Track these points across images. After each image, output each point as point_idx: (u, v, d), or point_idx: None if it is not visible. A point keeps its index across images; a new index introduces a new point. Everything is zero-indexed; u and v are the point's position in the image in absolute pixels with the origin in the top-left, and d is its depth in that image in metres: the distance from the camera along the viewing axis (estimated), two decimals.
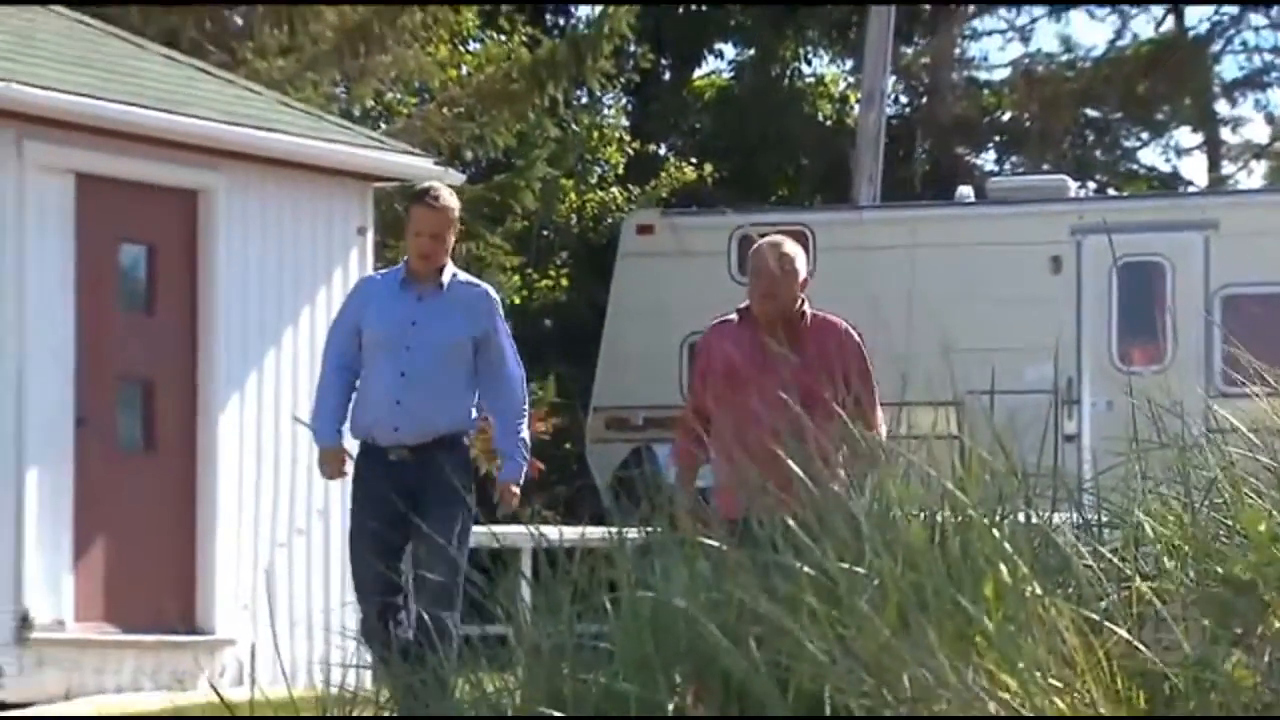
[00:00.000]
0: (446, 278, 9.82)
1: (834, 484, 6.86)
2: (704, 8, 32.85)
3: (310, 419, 10.15)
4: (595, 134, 27.32)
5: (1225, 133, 35.66)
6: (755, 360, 8.65)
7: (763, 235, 20.80)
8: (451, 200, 9.87)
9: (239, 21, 21.14)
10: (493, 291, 10.17)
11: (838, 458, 7.19)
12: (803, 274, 8.97)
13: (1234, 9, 33.77)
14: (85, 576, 14.35)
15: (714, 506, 8.11)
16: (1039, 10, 34.74)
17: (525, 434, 9.93)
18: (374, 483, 9.64)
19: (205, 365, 15.25)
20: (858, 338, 9.00)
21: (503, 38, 25.72)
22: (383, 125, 20.71)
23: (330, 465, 9.86)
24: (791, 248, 9.05)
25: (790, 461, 6.12)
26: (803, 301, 8.96)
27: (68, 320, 14.36)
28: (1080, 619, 4.28)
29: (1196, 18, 34.53)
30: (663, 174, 27.67)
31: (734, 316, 9.07)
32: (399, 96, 23.15)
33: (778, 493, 6.10)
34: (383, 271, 10.45)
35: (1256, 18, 34.11)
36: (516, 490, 9.76)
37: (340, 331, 10.04)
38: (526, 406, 10.01)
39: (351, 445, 9.95)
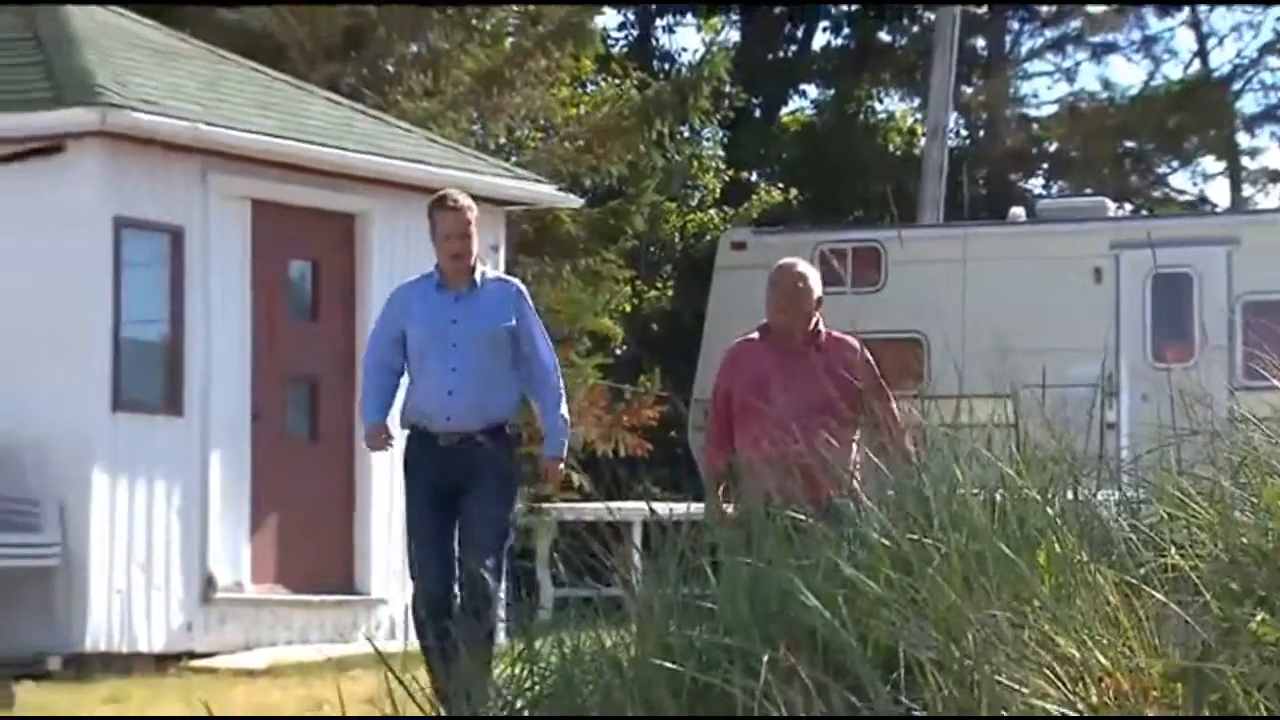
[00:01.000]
0: (479, 276, 9.44)
1: (853, 480, 6.74)
2: (791, 53, 32.80)
3: (358, 408, 9.88)
4: (695, 163, 27.32)
5: (1245, 160, 35.44)
6: (778, 371, 8.36)
7: (838, 250, 20.95)
8: (468, 201, 9.54)
9: (390, 68, 21.20)
10: (522, 285, 9.76)
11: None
12: (817, 293, 8.65)
13: (1253, 53, 33.78)
14: (260, 546, 14.50)
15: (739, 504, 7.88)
16: (1082, 54, 34.64)
17: (565, 414, 9.45)
18: (427, 468, 9.22)
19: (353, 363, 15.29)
20: (867, 354, 8.58)
21: (616, 80, 25.71)
22: (513, 157, 20.73)
23: (374, 439, 9.37)
24: (806, 268, 8.77)
25: (810, 462, 6.10)
26: (818, 321, 8.62)
27: (244, 327, 14.49)
28: (1121, 583, 4.25)
29: (1220, 60, 34.52)
30: (754, 198, 27.65)
31: (755, 334, 8.80)
32: (527, 132, 23.16)
33: (800, 488, 5.99)
34: (413, 280, 9.86)
35: (1273, 59, 34.07)
36: (560, 466, 9.52)
37: (380, 340, 9.60)
38: (563, 390, 9.53)
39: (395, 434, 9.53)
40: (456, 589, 8.96)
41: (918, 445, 5.85)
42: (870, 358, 8.51)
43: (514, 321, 9.31)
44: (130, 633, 13.97)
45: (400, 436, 9.41)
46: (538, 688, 4.94)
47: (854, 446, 7.63)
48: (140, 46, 15.90)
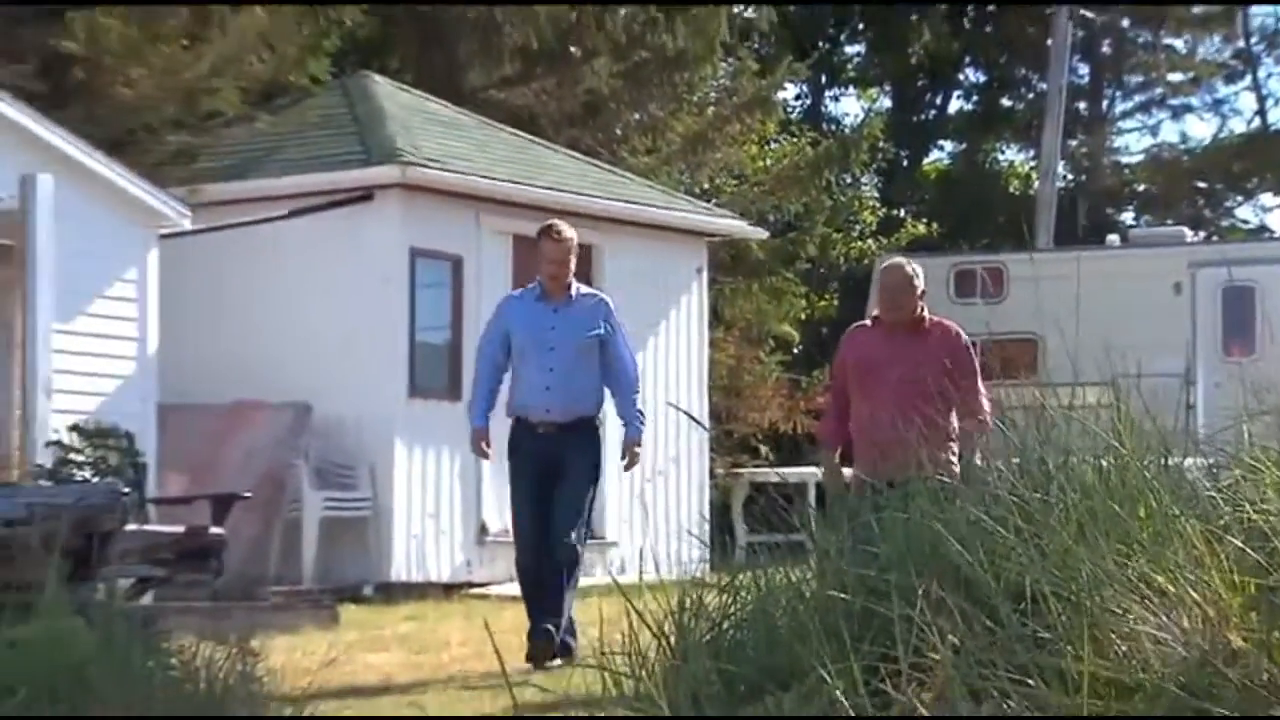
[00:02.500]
0: (574, 291, 8.90)
1: (942, 452, 6.43)
2: (931, 115, 32.66)
3: (466, 407, 9.29)
4: (856, 202, 27.16)
5: None
6: (885, 354, 7.72)
7: (968, 270, 20.75)
8: (571, 232, 8.99)
9: (618, 132, 21.30)
10: (610, 300, 9.17)
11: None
12: (920, 287, 7.94)
13: None
14: None
15: (860, 469, 7.59)
16: (1163, 114, 34.29)
17: (640, 408, 8.98)
18: (527, 451, 8.75)
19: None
20: (966, 338, 7.93)
21: (793, 139, 25.64)
22: (713, 199, 20.75)
23: (477, 444, 8.92)
24: (912, 268, 8.03)
25: (909, 434, 5.88)
26: (922, 308, 7.93)
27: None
28: (1205, 532, 4.16)
29: (1276, 116, 34.10)
30: (902, 229, 27.46)
31: (868, 323, 8.22)
32: (725, 180, 23.19)
33: (904, 457, 5.82)
34: (518, 293, 9.33)
35: None
36: (638, 448, 8.98)
37: (491, 341, 9.03)
38: (639, 388, 9.03)
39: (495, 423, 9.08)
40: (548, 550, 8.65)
41: (999, 420, 5.65)
42: (968, 342, 7.92)
43: (601, 330, 8.87)
44: (424, 567, 14.17)
45: (504, 425, 9.00)
46: (738, 613, 4.91)
47: (952, 417, 7.26)
48: (430, 119, 16.12)
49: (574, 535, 8.56)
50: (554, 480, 8.66)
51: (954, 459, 6.54)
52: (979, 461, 5.38)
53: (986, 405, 7.38)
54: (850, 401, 7.90)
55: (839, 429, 8.02)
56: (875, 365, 7.71)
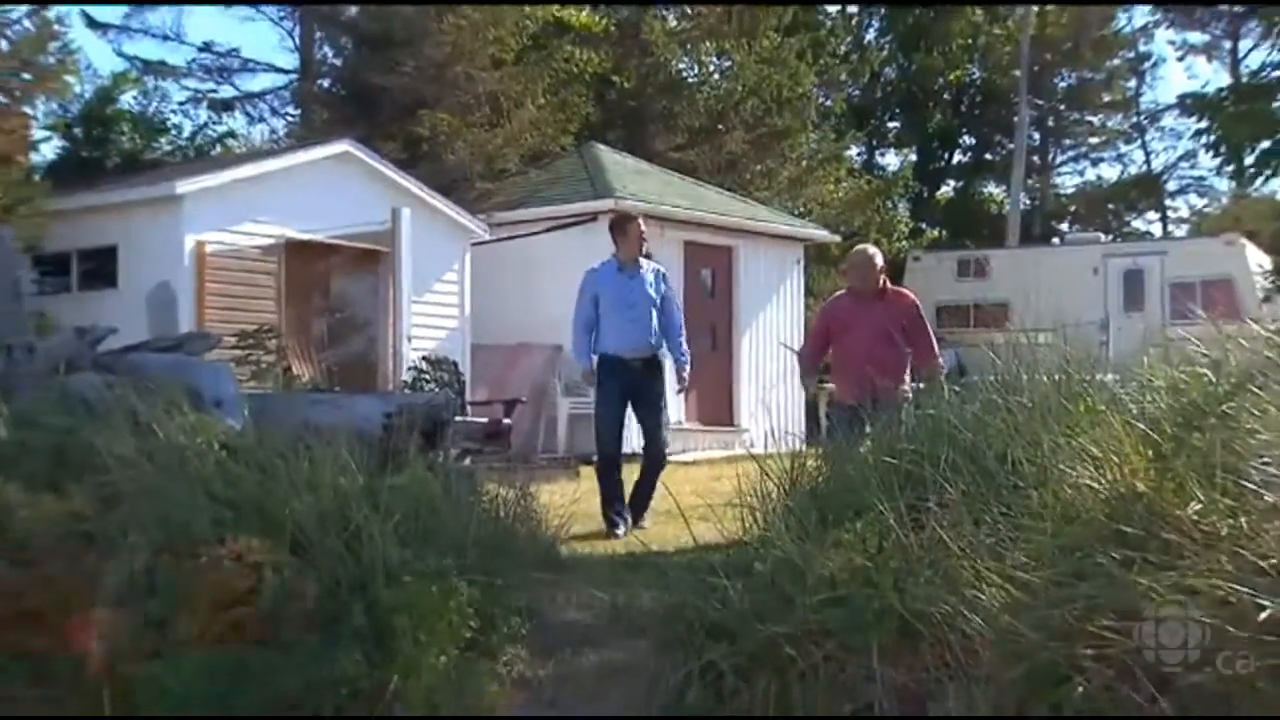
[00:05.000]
0: (642, 264, 7.80)
1: (897, 383, 5.96)
2: (941, 164, 31.82)
3: (572, 352, 7.96)
4: (894, 219, 26.48)
5: (1171, 213, 33.87)
6: (855, 315, 6.81)
7: (966, 260, 20.22)
8: (642, 224, 7.89)
9: (748, 176, 21.10)
10: (664, 270, 7.99)
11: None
12: (880, 265, 6.91)
13: (1174, 159, 32.36)
14: (690, 402, 14.55)
15: (837, 395, 6.94)
16: (1085, 164, 33.45)
17: (685, 349, 7.80)
18: (613, 378, 7.59)
19: (736, 318, 15.28)
20: (916, 301, 6.94)
21: (855, 179, 25.08)
22: (806, 217, 20.48)
23: (586, 377, 7.79)
24: (872, 251, 7.02)
25: (872, 371, 5.75)
26: (883, 281, 6.92)
27: (682, 300, 14.53)
28: (1121, 419, 3.91)
29: (1157, 165, 33.06)
30: (924, 235, 26.97)
31: (843, 292, 7.15)
32: (813, 205, 22.87)
33: (871, 388, 5.52)
34: (599, 265, 7.92)
35: (1184, 163, 32.66)
36: (685, 376, 7.80)
37: (584, 302, 7.75)
38: (684, 332, 7.83)
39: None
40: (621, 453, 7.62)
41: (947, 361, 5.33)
42: (919, 305, 6.92)
43: (661, 292, 7.76)
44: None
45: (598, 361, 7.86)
46: (826, 473, 4.77)
47: (905, 363, 6.53)
48: (631, 170, 16.05)
49: (662, 436, 7.67)
50: (632, 399, 7.59)
51: (906, 387, 6.16)
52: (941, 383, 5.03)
53: (937, 349, 6.78)
54: (825, 344, 7.02)
55: (814, 359, 7.29)
56: (849, 323, 6.91)
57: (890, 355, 6.43)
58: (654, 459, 7.78)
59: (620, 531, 7.17)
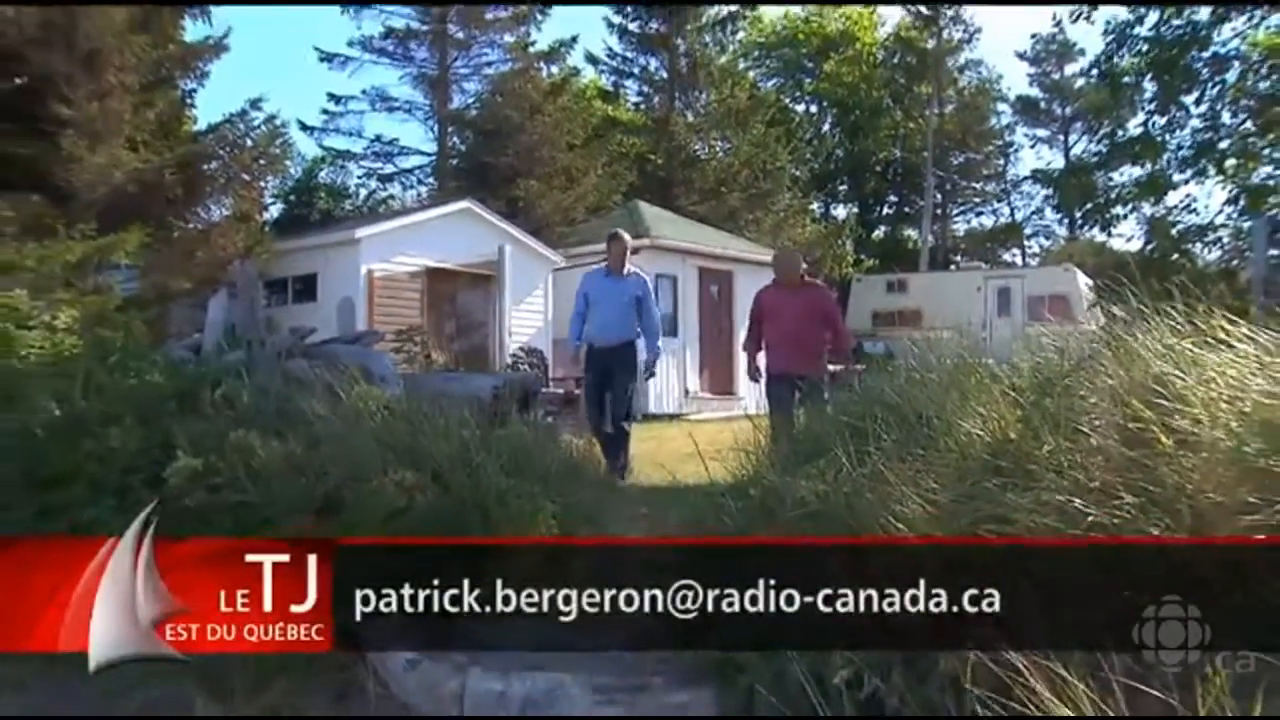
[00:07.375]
0: (625, 270, 6.80)
1: (817, 358, 5.43)
2: (875, 218, 31.28)
3: (570, 336, 6.92)
4: (844, 252, 25.95)
5: (1032, 246, 32.79)
6: (780, 303, 6.15)
7: (893, 281, 19.93)
8: (628, 238, 6.98)
9: (741, 223, 20.87)
10: (646, 276, 6.99)
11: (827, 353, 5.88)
12: (800, 263, 6.31)
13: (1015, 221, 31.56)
14: (702, 375, 14.30)
15: (771, 370, 6.09)
16: (972, 215, 32.69)
17: (659, 345, 6.76)
18: (596, 363, 6.66)
19: (735, 319, 14.94)
20: (832, 294, 6.08)
21: (816, 224, 24.66)
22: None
23: (577, 355, 6.77)
24: (795, 251, 6.35)
25: (800, 350, 5.47)
26: (804, 275, 6.28)
27: (696, 311, 14.29)
28: (1000, 389, 3.81)
29: (1020, 217, 32.02)
30: (862, 264, 26.46)
31: (770, 284, 6.38)
32: (788, 242, 22.41)
33: (799, 364, 5.19)
34: (593, 270, 7.01)
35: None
36: (654, 368, 6.75)
37: (580, 300, 6.85)
38: (660, 332, 6.85)
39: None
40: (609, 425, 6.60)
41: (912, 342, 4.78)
42: (834, 296, 6.08)
43: (640, 294, 6.83)
44: (663, 406, 14.02)
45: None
46: (802, 428, 4.64)
47: (825, 345, 6.02)
48: (661, 217, 15.79)
49: (622, 424, 6.63)
50: (609, 383, 6.73)
51: (826, 362, 5.76)
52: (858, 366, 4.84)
53: (848, 334, 6.22)
54: (762, 330, 6.31)
55: (754, 345, 6.37)
56: (776, 310, 6.19)
57: (811, 336, 5.89)
58: (613, 438, 6.74)
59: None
